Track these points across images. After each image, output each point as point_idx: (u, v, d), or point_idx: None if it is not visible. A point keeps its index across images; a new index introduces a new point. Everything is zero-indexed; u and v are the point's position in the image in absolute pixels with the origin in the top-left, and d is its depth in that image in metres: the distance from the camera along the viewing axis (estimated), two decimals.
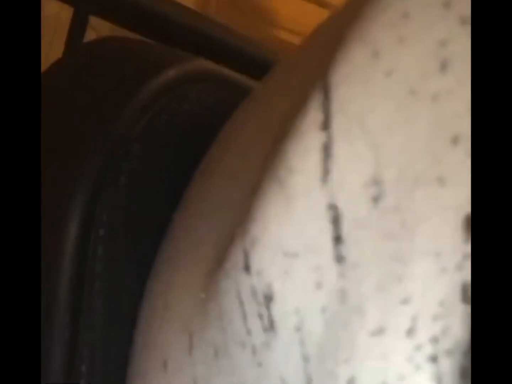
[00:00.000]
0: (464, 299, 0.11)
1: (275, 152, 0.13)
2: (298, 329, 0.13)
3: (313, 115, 0.12)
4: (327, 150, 0.11)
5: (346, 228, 0.12)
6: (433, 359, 0.11)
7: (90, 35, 0.58)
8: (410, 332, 0.11)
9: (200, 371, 0.16)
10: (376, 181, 0.11)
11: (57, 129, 0.22)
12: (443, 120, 0.12)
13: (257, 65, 0.37)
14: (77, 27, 0.45)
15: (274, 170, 0.12)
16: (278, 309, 0.13)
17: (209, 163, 0.20)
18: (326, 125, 0.12)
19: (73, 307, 0.22)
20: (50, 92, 0.23)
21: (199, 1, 1.47)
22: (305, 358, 0.12)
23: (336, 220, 0.12)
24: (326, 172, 0.12)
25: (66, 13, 0.82)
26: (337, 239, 0.12)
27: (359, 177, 0.11)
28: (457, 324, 0.11)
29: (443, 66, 0.12)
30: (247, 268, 0.13)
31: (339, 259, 0.12)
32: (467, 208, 0.11)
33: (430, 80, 0.12)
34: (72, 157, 0.22)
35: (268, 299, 0.13)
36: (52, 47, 0.89)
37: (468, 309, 0.11)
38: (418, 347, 0.11)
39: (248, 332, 0.14)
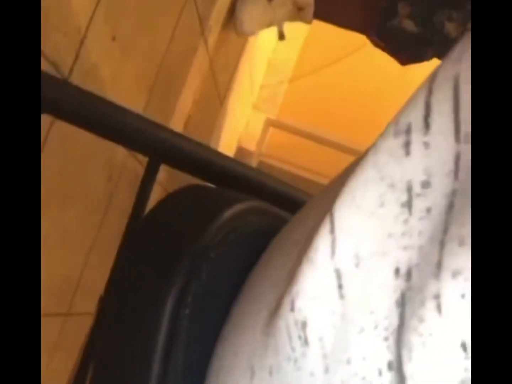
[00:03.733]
0: None
1: (307, 245, 0.24)
2: (321, 339, 0.22)
3: (325, 224, 0.23)
4: (333, 242, 0.22)
5: (345, 275, 0.22)
6: None
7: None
8: None
9: None
10: (357, 255, 0.22)
11: (161, 242, 0.34)
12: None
13: (290, 201, 0.49)
14: (150, 172, 0.57)
15: (308, 255, 0.23)
16: (310, 330, 0.23)
17: (263, 261, 0.31)
18: (332, 230, 0.22)
19: (162, 367, 0.32)
20: (161, 218, 0.35)
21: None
22: (324, 356, 0.22)
23: (339, 276, 0.22)
24: (333, 252, 0.22)
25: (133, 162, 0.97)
26: (340, 287, 0.22)
27: (349, 253, 0.22)
28: None
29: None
30: (292, 309, 0.23)
31: (342, 296, 0.22)
32: None
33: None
34: (171, 259, 0.33)
35: (304, 325, 0.23)
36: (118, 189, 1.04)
37: None
38: None
39: (293, 349, 0.23)
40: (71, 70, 0.74)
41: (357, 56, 1.80)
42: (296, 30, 1.83)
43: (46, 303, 0.92)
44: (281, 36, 1.36)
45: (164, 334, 0.32)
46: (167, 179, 1.22)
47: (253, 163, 1.83)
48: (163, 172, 0.98)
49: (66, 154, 0.79)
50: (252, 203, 0.37)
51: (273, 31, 1.36)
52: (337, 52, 1.83)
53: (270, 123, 1.87)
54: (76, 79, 0.75)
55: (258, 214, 0.37)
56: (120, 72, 0.90)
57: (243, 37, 1.32)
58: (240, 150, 1.91)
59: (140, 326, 0.32)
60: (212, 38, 1.26)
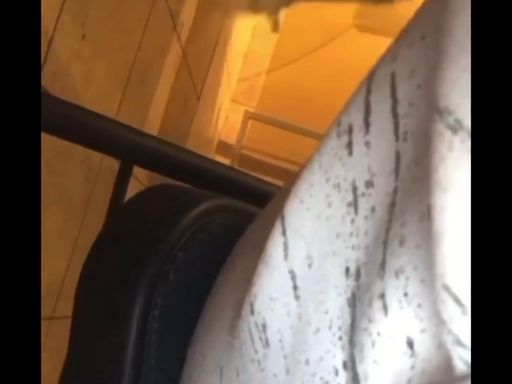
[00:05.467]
0: None
1: (263, 248, 0.24)
2: (280, 340, 0.23)
3: (277, 227, 0.23)
4: (286, 245, 0.22)
5: (299, 276, 0.22)
6: None
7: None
8: None
9: None
10: (309, 256, 0.22)
11: (128, 245, 0.34)
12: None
13: (260, 196, 0.49)
14: (123, 175, 0.57)
15: (263, 257, 0.23)
16: (270, 332, 0.23)
17: (230, 261, 0.31)
18: (284, 233, 0.22)
19: (134, 370, 0.32)
20: (128, 220, 0.34)
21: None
22: (285, 357, 0.22)
23: (293, 277, 0.22)
24: (286, 254, 0.22)
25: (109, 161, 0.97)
26: (295, 288, 0.22)
27: (301, 254, 0.22)
28: None
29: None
30: (252, 312, 0.24)
31: (297, 297, 0.22)
32: None
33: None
34: (138, 261, 0.33)
35: (264, 327, 0.23)
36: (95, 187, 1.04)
37: None
38: None
39: (255, 351, 0.24)
40: (40, 72, 0.73)
41: (334, 45, 1.80)
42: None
43: None
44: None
45: (135, 337, 0.32)
46: (148, 177, 1.21)
47: (234, 156, 1.83)
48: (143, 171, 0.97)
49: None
50: (219, 201, 0.37)
51: (246, 24, 1.35)
52: (313, 42, 1.83)
53: (249, 116, 1.86)
54: (45, 82, 0.74)
55: (226, 212, 0.37)
56: (91, 71, 0.89)
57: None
58: (221, 144, 1.91)
59: (110, 331, 0.32)
60: (185, 33, 1.25)
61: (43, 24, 0.73)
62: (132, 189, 0.53)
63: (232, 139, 1.90)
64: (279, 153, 1.85)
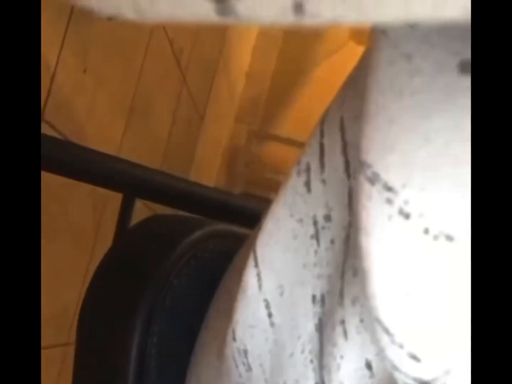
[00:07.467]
0: None
1: (240, 281, 0.25)
2: (261, 365, 0.24)
3: (251, 259, 0.24)
4: (259, 275, 0.24)
5: (273, 304, 0.24)
6: None
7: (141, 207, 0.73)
8: None
9: None
10: (281, 286, 0.23)
11: (130, 270, 0.35)
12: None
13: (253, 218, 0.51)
14: (126, 207, 0.58)
15: (240, 286, 0.25)
16: (251, 357, 0.25)
17: (220, 288, 0.33)
18: (257, 265, 0.24)
19: None
20: (126, 251, 0.36)
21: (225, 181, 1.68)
22: (266, 380, 0.24)
23: (268, 306, 0.24)
24: (260, 284, 0.24)
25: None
26: (270, 315, 0.24)
27: (273, 284, 0.24)
28: None
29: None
30: (234, 338, 0.25)
31: (272, 324, 0.24)
32: None
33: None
34: (136, 289, 0.35)
35: (245, 352, 0.25)
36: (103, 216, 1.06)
37: None
38: None
39: (240, 375, 0.25)
40: (44, 107, 0.76)
41: (334, 61, 1.82)
42: (270, 41, 1.85)
43: (47, 335, 0.94)
44: None
45: (135, 363, 0.33)
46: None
47: (240, 175, 1.84)
48: None
49: (46, 188, 0.80)
50: (213, 227, 0.39)
51: (246, 44, 1.38)
52: (313, 59, 1.86)
53: (253, 134, 1.89)
54: (49, 115, 0.77)
55: (220, 237, 0.39)
56: (94, 102, 0.92)
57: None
58: (226, 163, 1.93)
59: (111, 357, 0.34)
60: (185, 58, 1.28)
61: (45, 60, 0.75)
62: (140, 213, 0.55)
63: (236, 158, 1.92)
64: (285, 170, 1.86)
